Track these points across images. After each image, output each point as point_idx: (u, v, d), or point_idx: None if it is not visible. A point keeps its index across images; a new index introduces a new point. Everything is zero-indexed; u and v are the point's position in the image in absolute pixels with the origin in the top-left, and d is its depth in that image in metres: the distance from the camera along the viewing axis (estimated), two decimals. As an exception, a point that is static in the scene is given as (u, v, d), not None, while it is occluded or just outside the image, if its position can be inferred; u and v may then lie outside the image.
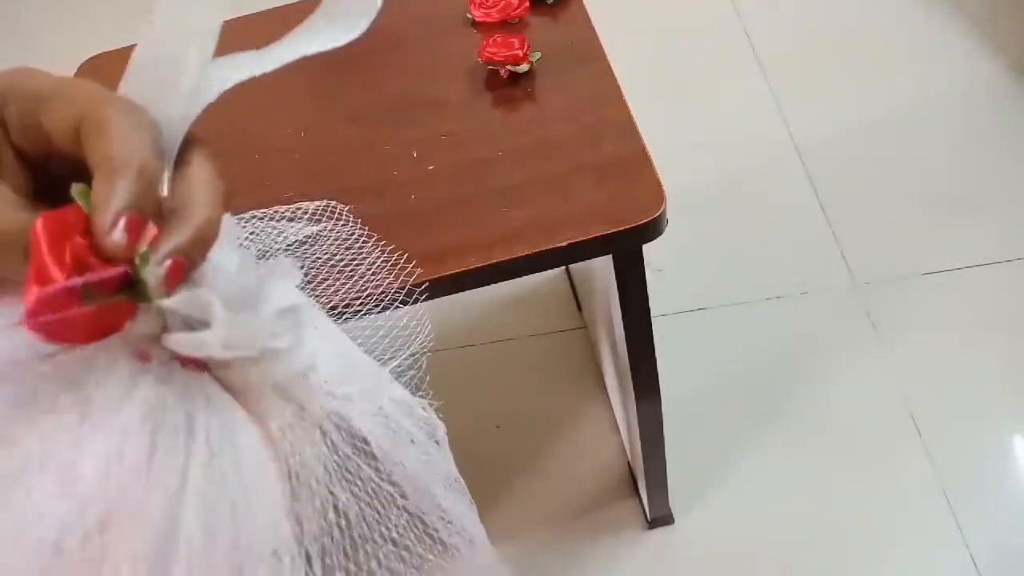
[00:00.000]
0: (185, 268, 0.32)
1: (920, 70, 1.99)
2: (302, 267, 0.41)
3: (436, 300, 0.89)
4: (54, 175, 0.34)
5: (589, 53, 1.03)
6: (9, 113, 0.32)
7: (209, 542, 0.34)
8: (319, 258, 0.46)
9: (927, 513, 1.38)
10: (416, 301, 0.47)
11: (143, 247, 0.31)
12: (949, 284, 1.63)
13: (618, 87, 0.99)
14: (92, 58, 1.16)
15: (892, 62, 2.02)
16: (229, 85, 0.35)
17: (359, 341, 0.44)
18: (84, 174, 0.32)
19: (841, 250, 1.71)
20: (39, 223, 0.30)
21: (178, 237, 0.32)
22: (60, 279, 0.29)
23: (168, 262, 0.31)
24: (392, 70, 1.08)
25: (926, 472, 1.42)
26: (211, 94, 0.35)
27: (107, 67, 1.13)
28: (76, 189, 0.32)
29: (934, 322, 1.59)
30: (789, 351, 1.59)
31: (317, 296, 0.46)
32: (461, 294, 0.89)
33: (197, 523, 0.34)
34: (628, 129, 0.95)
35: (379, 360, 0.44)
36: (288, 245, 0.45)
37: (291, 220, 0.48)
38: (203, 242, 0.33)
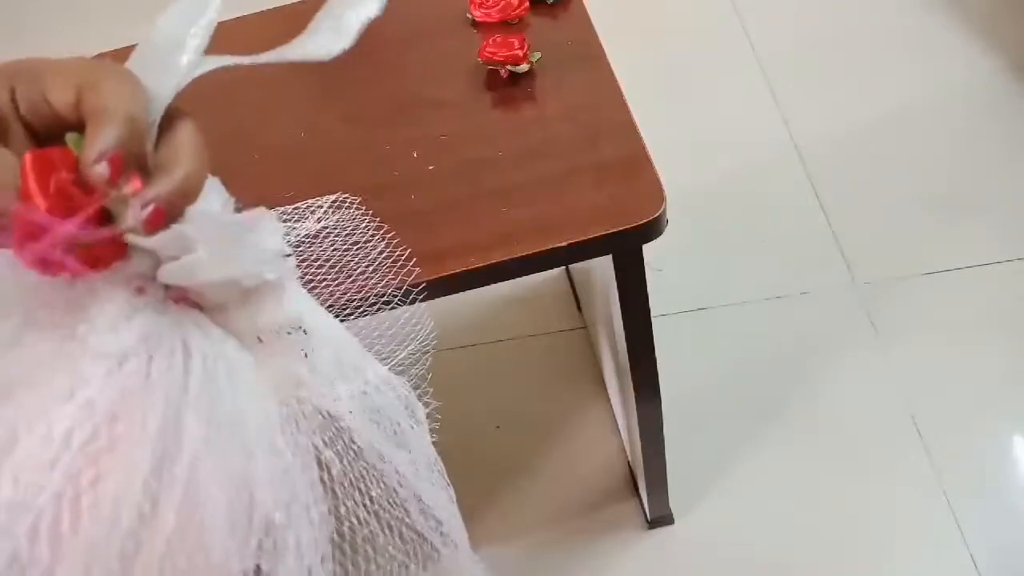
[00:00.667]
0: (166, 215, 0.35)
1: (920, 70, 1.99)
2: (304, 262, 0.42)
3: (436, 300, 0.89)
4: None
5: (589, 53, 1.03)
6: (19, 92, 0.35)
7: (211, 447, 0.36)
8: (319, 258, 0.47)
9: (927, 513, 1.38)
10: (416, 300, 0.48)
11: (124, 188, 0.34)
12: (949, 284, 1.63)
13: (618, 87, 0.99)
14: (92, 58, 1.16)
15: (892, 62, 2.02)
16: (211, 66, 0.39)
17: (360, 338, 0.44)
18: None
19: (841, 250, 1.71)
20: (27, 156, 0.32)
21: (162, 185, 0.35)
22: (43, 206, 0.32)
23: (151, 207, 0.34)
24: (392, 70, 1.08)
25: (926, 472, 1.42)
26: (196, 71, 0.39)
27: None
28: (69, 136, 0.35)
29: (934, 322, 1.59)
30: (789, 351, 1.59)
31: (318, 295, 0.47)
32: (461, 294, 0.89)
33: (199, 427, 0.36)
34: (628, 129, 0.95)
35: (380, 357, 0.45)
36: (291, 245, 0.46)
37: (298, 220, 0.48)
38: (186, 192, 0.36)
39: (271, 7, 1.17)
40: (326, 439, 0.41)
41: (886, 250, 1.70)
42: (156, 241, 0.35)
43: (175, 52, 0.38)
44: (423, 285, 0.49)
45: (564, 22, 1.08)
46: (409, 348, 0.47)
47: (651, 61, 2.04)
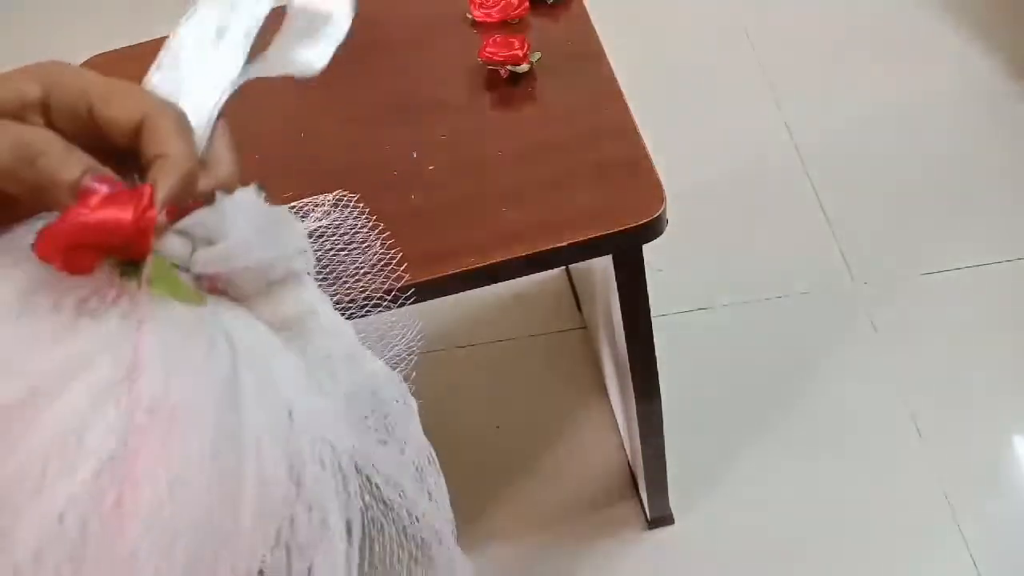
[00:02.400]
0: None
1: (920, 70, 1.99)
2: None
3: (436, 300, 0.89)
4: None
5: (589, 53, 1.03)
6: (56, 98, 0.37)
7: (270, 435, 0.37)
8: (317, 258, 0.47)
9: (927, 513, 1.38)
10: (404, 304, 0.48)
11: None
12: (949, 284, 1.63)
13: (618, 87, 0.99)
14: (92, 58, 1.16)
15: (892, 62, 2.02)
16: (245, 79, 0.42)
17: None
18: (113, 161, 0.37)
19: (841, 250, 1.71)
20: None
21: (208, 180, 0.39)
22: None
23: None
24: (392, 70, 1.08)
25: (926, 472, 1.42)
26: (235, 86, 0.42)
27: (107, 67, 1.13)
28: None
29: (934, 322, 1.59)
30: (789, 351, 1.59)
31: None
32: (462, 294, 0.89)
33: (259, 412, 0.37)
34: (628, 129, 0.95)
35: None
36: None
37: (302, 218, 0.49)
38: (229, 189, 0.40)
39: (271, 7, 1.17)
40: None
41: (886, 250, 1.70)
42: (195, 218, 0.37)
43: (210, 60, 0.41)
44: (413, 289, 0.49)
45: (564, 22, 1.08)
46: (396, 349, 0.47)
47: (651, 61, 2.04)
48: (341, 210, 0.50)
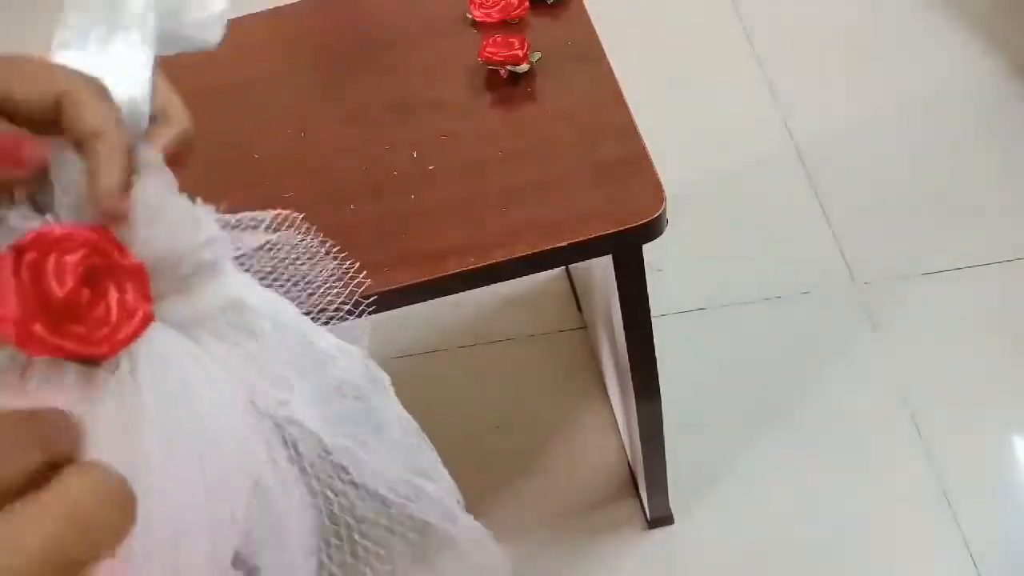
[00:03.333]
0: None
1: (920, 70, 1.99)
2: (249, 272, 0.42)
3: (436, 300, 0.89)
4: None
5: (589, 53, 1.03)
6: None
7: (177, 459, 0.35)
8: (261, 271, 0.46)
9: (927, 513, 1.38)
10: (364, 313, 0.47)
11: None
12: (949, 284, 1.63)
13: (618, 87, 0.99)
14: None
15: (892, 62, 2.02)
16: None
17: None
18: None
19: (841, 250, 1.71)
20: None
21: (166, 133, 0.41)
22: None
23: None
24: (392, 70, 1.08)
25: (926, 472, 1.42)
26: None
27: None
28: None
29: (934, 322, 1.59)
30: (789, 351, 1.59)
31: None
32: (461, 294, 0.89)
33: (161, 443, 0.35)
34: (628, 129, 0.95)
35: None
36: (244, 251, 0.45)
37: (250, 228, 0.47)
38: (187, 144, 0.42)
39: (271, 7, 1.17)
40: (287, 435, 0.40)
41: (886, 250, 1.70)
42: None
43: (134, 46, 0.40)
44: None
45: (564, 22, 1.08)
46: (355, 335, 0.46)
47: (651, 61, 2.04)
48: (291, 227, 0.48)
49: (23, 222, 0.35)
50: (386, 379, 0.45)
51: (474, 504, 0.46)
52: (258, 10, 1.16)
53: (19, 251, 0.33)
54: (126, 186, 0.35)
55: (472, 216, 0.91)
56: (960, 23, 2.06)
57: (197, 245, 0.38)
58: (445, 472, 0.46)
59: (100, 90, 0.37)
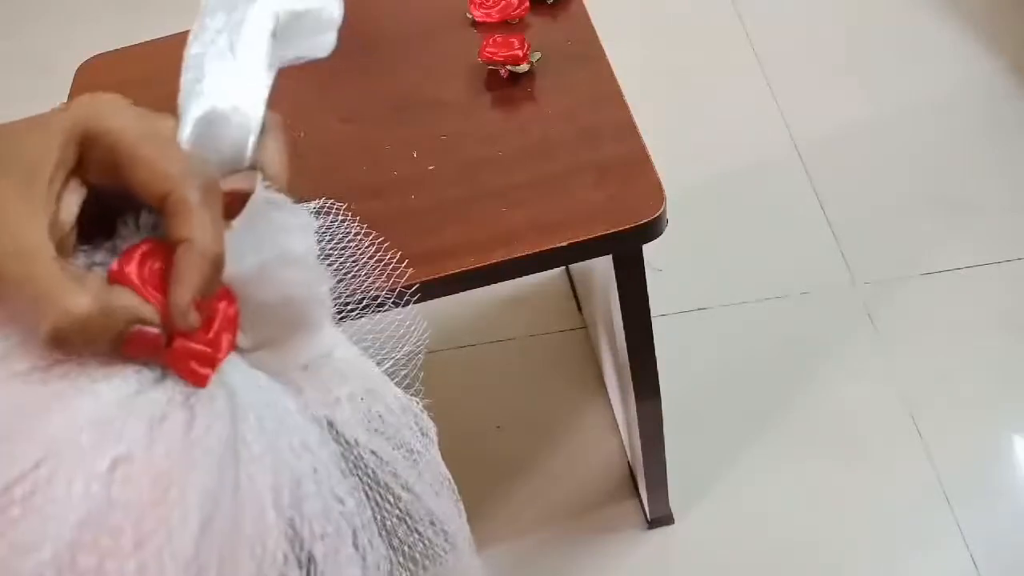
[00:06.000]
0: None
1: (920, 70, 1.99)
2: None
3: (436, 300, 0.89)
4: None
5: (589, 53, 1.03)
6: (94, 155, 0.38)
7: (266, 495, 0.37)
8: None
9: (927, 513, 1.38)
10: (409, 302, 0.48)
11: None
12: (949, 284, 1.63)
13: (618, 87, 0.99)
14: (92, 58, 1.16)
15: (892, 62, 2.02)
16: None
17: (354, 340, 0.45)
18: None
19: (841, 250, 1.71)
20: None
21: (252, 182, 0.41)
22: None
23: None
24: (392, 70, 1.08)
25: (926, 472, 1.42)
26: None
27: (106, 67, 1.13)
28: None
29: (934, 322, 1.59)
30: (789, 351, 1.59)
31: None
32: (461, 294, 0.89)
33: (253, 480, 0.37)
34: (628, 129, 0.95)
35: (375, 359, 0.45)
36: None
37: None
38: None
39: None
40: (350, 466, 0.42)
41: (886, 250, 1.70)
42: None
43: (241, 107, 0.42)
44: (416, 286, 0.49)
45: (564, 22, 1.08)
46: (404, 349, 0.47)
47: (651, 61, 2.04)
48: (333, 215, 0.49)
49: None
50: (432, 429, 0.47)
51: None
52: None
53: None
54: (205, 294, 0.37)
55: (472, 216, 0.91)
56: (960, 23, 2.06)
57: (306, 300, 0.41)
58: (465, 524, 0.48)
59: (206, 187, 0.38)
